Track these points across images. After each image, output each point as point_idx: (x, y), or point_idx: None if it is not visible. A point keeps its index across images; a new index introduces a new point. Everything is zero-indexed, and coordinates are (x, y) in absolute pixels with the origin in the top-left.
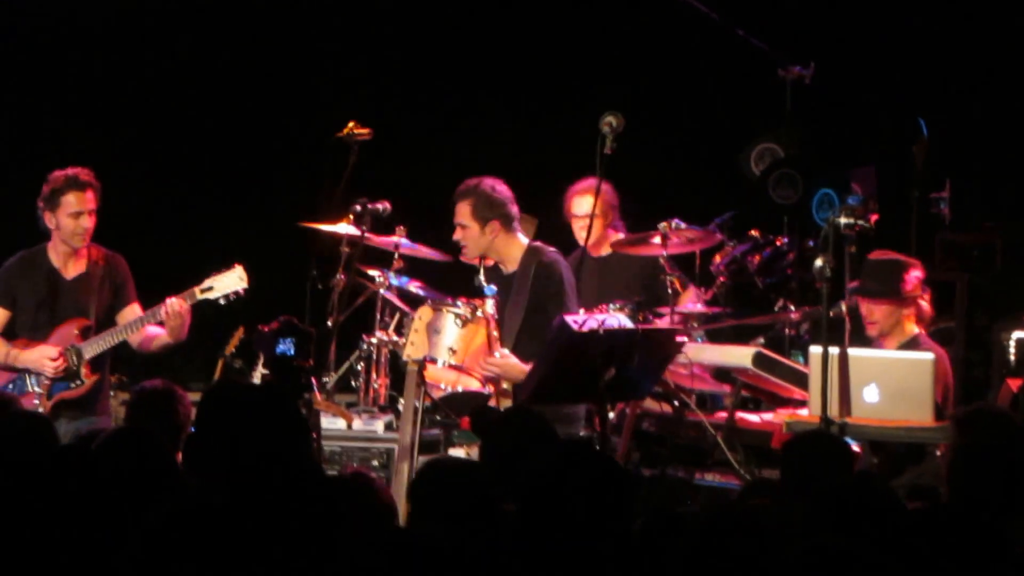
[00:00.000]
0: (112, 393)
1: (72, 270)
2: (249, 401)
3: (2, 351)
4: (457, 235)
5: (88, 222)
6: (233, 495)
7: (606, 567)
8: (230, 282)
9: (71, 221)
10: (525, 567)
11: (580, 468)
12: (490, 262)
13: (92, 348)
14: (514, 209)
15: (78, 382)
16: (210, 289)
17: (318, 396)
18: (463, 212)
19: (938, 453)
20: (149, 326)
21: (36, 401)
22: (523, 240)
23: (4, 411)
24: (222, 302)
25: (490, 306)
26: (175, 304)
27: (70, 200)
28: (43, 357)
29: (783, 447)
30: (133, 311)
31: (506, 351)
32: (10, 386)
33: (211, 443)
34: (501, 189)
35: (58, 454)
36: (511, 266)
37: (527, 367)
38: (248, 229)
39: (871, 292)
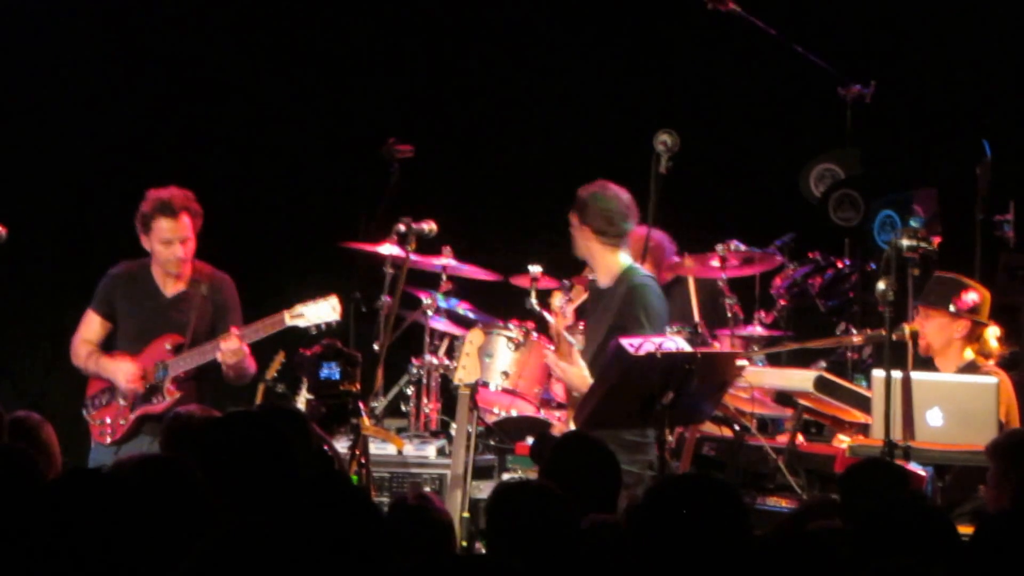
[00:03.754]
0: None
1: (172, 288)
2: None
3: (90, 358)
4: (573, 239)
5: (180, 251)
6: (272, 520)
7: None
8: (323, 312)
9: (163, 248)
10: None
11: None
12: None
13: (179, 365)
14: (617, 224)
15: (160, 397)
16: (301, 316)
17: (366, 421)
18: (572, 212)
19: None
20: None
21: (119, 414)
22: (623, 258)
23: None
24: (312, 331)
25: (559, 300)
26: (231, 343)
27: (162, 226)
28: (122, 374)
29: (840, 475)
30: (231, 330)
31: (577, 357)
32: (100, 397)
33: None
34: (613, 198)
35: (67, 480)
36: (605, 280)
37: (589, 380)
38: (288, 250)
39: (924, 300)
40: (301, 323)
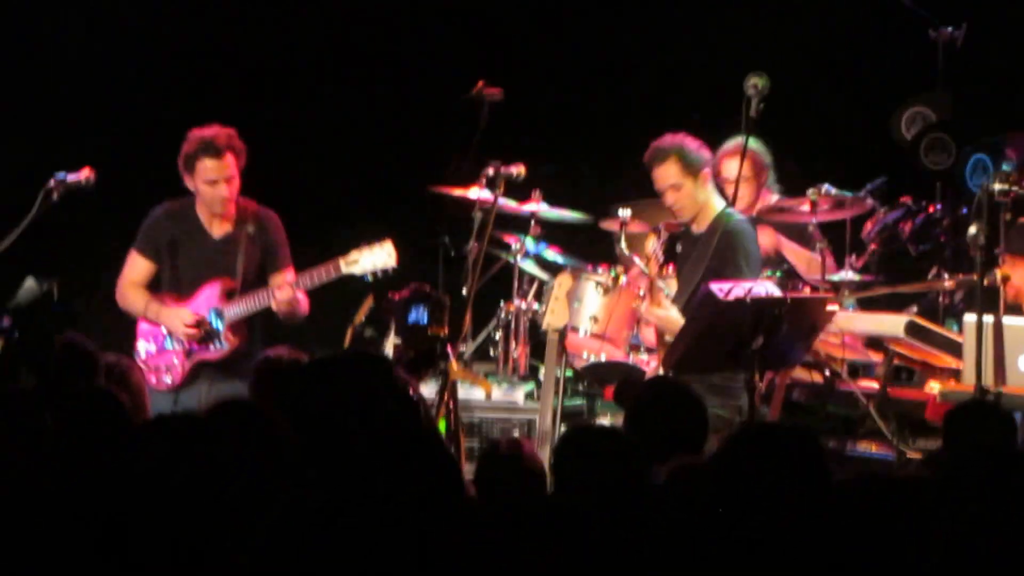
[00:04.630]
0: None
1: (219, 229)
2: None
3: (143, 303)
4: (669, 199)
5: (225, 190)
6: (345, 470)
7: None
8: (379, 259)
9: (208, 188)
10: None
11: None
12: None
13: (235, 311)
14: (709, 167)
15: (218, 344)
16: (355, 262)
17: (455, 365)
18: (671, 172)
19: None
20: None
21: (176, 360)
22: (717, 202)
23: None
24: (368, 278)
25: (652, 244)
26: (284, 293)
27: (206, 166)
28: (179, 321)
29: (945, 418)
30: (287, 275)
31: (667, 304)
32: (153, 343)
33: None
34: (693, 141)
35: (155, 426)
36: (703, 225)
37: (678, 320)
38: (377, 194)
39: (1013, 249)
40: (356, 270)
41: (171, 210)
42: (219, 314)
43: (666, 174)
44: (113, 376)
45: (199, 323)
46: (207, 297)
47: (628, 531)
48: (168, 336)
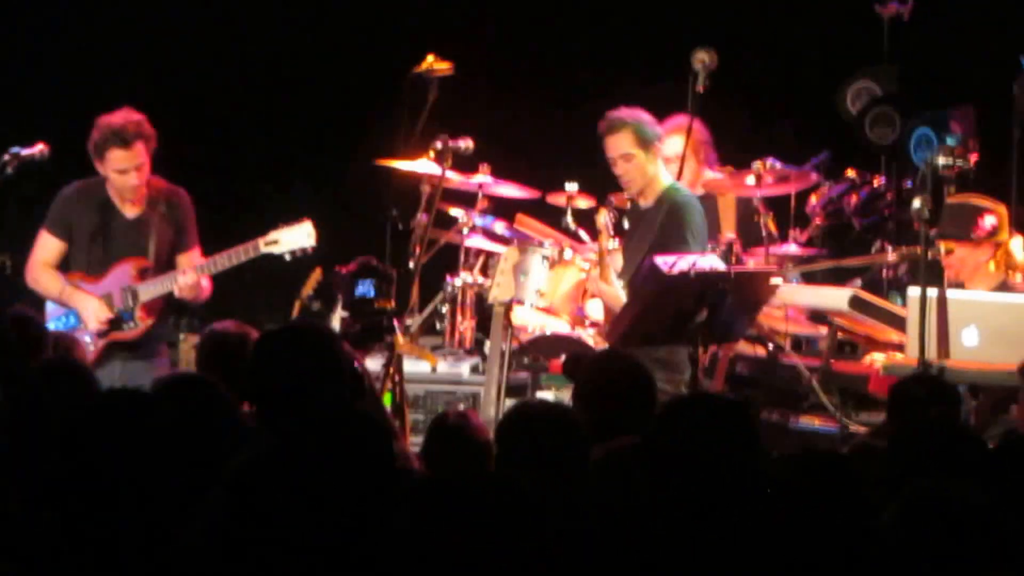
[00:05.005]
0: (183, 336)
1: (131, 209)
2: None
3: (57, 286)
4: (619, 169)
5: (135, 178)
6: (291, 440)
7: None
8: (298, 237)
9: (118, 176)
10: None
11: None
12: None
13: (149, 291)
14: (660, 141)
15: (132, 324)
16: (275, 243)
17: (401, 338)
18: (625, 142)
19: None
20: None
21: (88, 339)
22: (665, 176)
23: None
24: (287, 257)
25: (604, 217)
26: (187, 278)
27: (115, 155)
28: (93, 312)
29: (890, 391)
30: (192, 257)
31: (613, 278)
32: (62, 319)
33: (264, 389)
34: (648, 118)
35: (106, 399)
36: (649, 200)
37: (623, 299)
38: (324, 168)
39: (943, 234)
40: (276, 249)
41: (82, 190)
42: (133, 293)
43: (619, 144)
44: (58, 351)
45: (111, 316)
46: (119, 276)
47: (567, 507)
48: (79, 318)
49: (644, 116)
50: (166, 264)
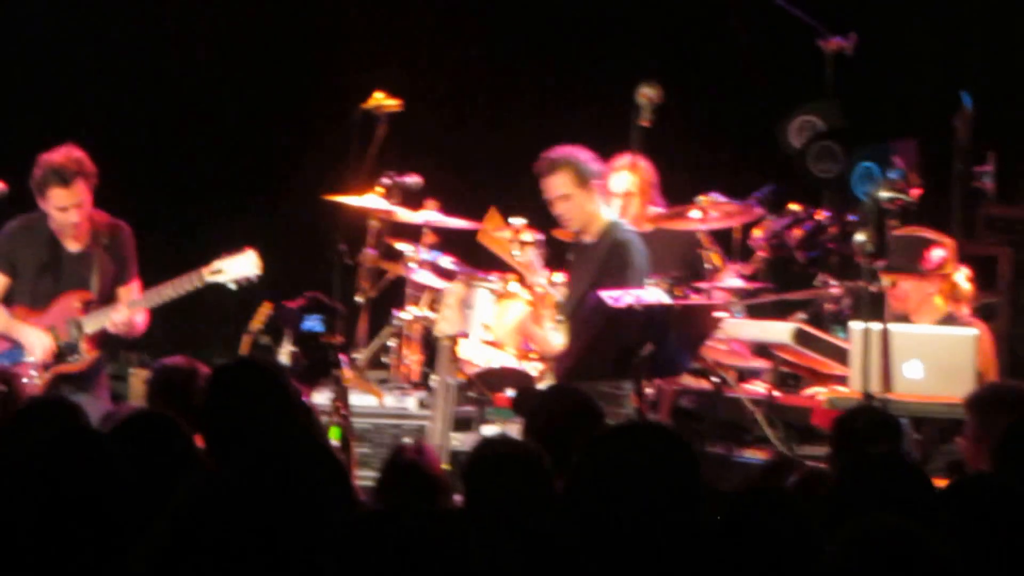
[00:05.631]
0: (132, 371)
1: (73, 244)
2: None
3: (2, 320)
4: (558, 209)
5: (76, 216)
6: (243, 474)
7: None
8: (241, 267)
9: (58, 214)
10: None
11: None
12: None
13: (93, 323)
14: (600, 179)
15: (77, 356)
16: (219, 272)
17: (348, 372)
18: (563, 182)
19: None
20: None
21: (33, 372)
22: (606, 213)
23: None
24: (232, 287)
25: (528, 253)
26: (120, 315)
27: (56, 193)
28: (37, 343)
29: (834, 424)
30: (132, 290)
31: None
32: (6, 357)
33: (216, 424)
34: (586, 156)
35: (64, 437)
36: (591, 236)
37: (554, 346)
38: (272, 203)
39: (891, 267)
40: (220, 279)
41: (25, 225)
42: (78, 326)
43: (556, 184)
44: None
45: (56, 347)
46: (63, 308)
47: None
48: (19, 349)
49: (581, 154)
50: (109, 297)
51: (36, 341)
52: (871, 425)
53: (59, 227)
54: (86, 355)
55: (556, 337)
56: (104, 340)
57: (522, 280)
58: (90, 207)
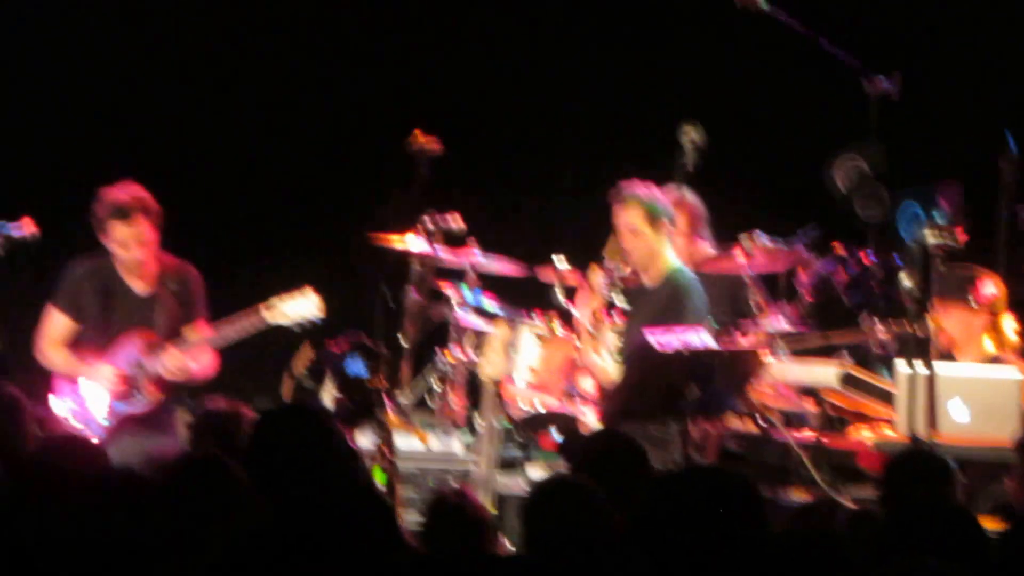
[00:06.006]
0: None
1: (141, 287)
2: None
3: (65, 360)
4: (626, 242)
5: (139, 252)
6: (292, 518)
7: None
8: (303, 308)
9: (121, 251)
10: None
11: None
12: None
13: (156, 364)
14: (671, 220)
15: (141, 398)
16: (278, 310)
17: (392, 416)
18: (633, 216)
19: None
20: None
21: (103, 419)
22: (672, 257)
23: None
24: (296, 329)
25: (599, 277)
26: (172, 360)
27: (117, 229)
28: (103, 375)
29: (884, 465)
30: (196, 331)
31: (605, 353)
32: (73, 399)
33: (264, 467)
34: (659, 192)
35: (112, 480)
36: (655, 279)
37: (612, 376)
38: (314, 244)
39: (942, 295)
40: (283, 321)
41: (91, 266)
42: (142, 367)
43: (628, 217)
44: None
45: (124, 381)
46: (128, 349)
47: None
48: (89, 393)
49: (657, 193)
50: (175, 338)
51: (103, 375)
52: (922, 468)
53: (124, 266)
54: (150, 396)
55: (612, 366)
56: (180, 385)
57: (566, 322)
58: (155, 246)
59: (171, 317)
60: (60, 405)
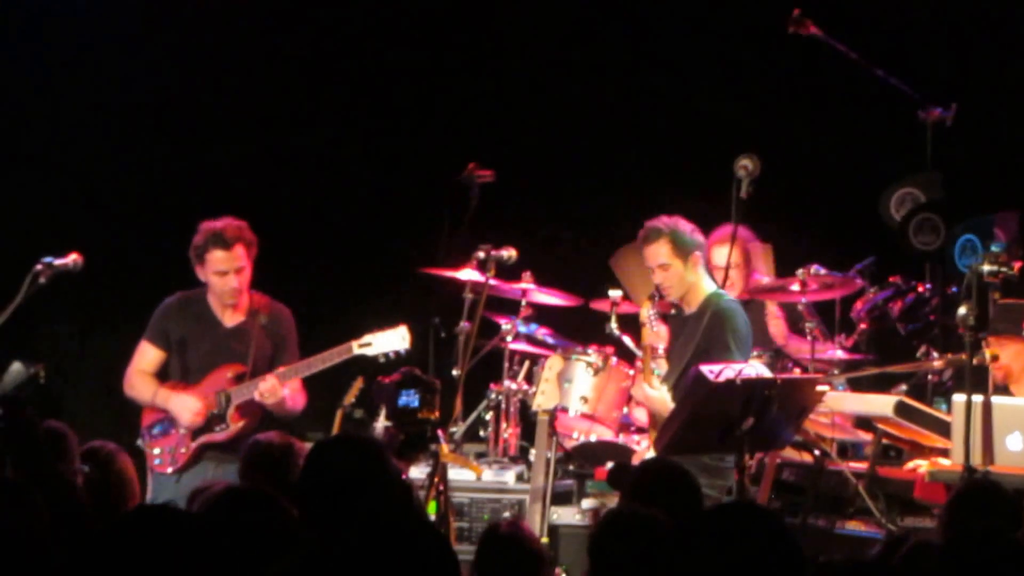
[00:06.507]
0: None
1: (230, 319)
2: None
3: (151, 390)
4: (657, 277)
5: (235, 281)
6: (345, 550)
7: None
8: (392, 341)
9: (217, 279)
10: None
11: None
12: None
13: (241, 394)
14: (704, 249)
15: (222, 426)
16: (368, 345)
17: (445, 448)
18: (662, 252)
19: None
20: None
21: (180, 443)
22: (708, 284)
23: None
24: (381, 360)
25: (647, 310)
26: (267, 384)
27: (215, 257)
28: (186, 406)
29: (949, 500)
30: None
31: (657, 384)
32: (158, 427)
33: (315, 498)
34: (687, 224)
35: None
36: (692, 307)
37: (670, 405)
38: (367, 275)
39: (996, 330)
40: (369, 351)
41: (183, 300)
42: (227, 396)
43: (656, 253)
44: (95, 462)
45: (206, 410)
46: (215, 380)
47: None
48: (171, 420)
49: (682, 225)
50: (263, 373)
51: (185, 406)
52: (987, 501)
53: (217, 296)
54: (232, 424)
55: (668, 396)
56: (260, 412)
57: (619, 353)
58: (249, 275)
59: (259, 350)
60: (150, 432)
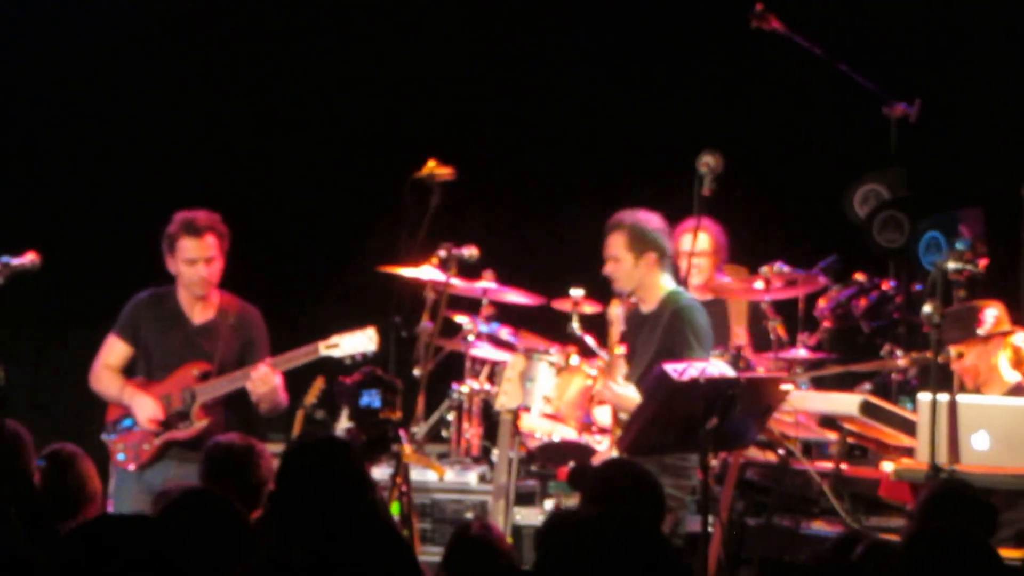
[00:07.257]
0: None
1: (199, 316)
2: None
3: (118, 386)
4: (608, 268)
5: (204, 270)
6: (311, 553)
7: None
8: (359, 342)
9: (187, 268)
10: None
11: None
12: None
13: (207, 392)
14: (667, 246)
15: (187, 423)
16: (335, 346)
17: (407, 448)
18: (616, 244)
19: None
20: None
21: (143, 439)
22: (667, 282)
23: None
24: (347, 362)
25: (616, 308)
26: (259, 372)
27: (186, 245)
28: (143, 408)
29: (921, 501)
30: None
31: (621, 381)
32: (123, 423)
33: (291, 501)
34: (656, 223)
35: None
36: (650, 305)
37: (637, 397)
38: (326, 274)
39: (951, 339)
40: (336, 353)
41: (154, 296)
42: (192, 394)
43: (611, 243)
44: (57, 463)
45: (164, 413)
46: (181, 377)
47: None
48: (137, 419)
49: (651, 223)
50: (228, 371)
51: (143, 409)
52: (958, 503)
53: (187, 285)
54: (196, 421)
55: (635, 393)
56: (224, 410)
57: (582, 352)
58: (221, 268)
59: (227, 349)
60: (116, 427)
